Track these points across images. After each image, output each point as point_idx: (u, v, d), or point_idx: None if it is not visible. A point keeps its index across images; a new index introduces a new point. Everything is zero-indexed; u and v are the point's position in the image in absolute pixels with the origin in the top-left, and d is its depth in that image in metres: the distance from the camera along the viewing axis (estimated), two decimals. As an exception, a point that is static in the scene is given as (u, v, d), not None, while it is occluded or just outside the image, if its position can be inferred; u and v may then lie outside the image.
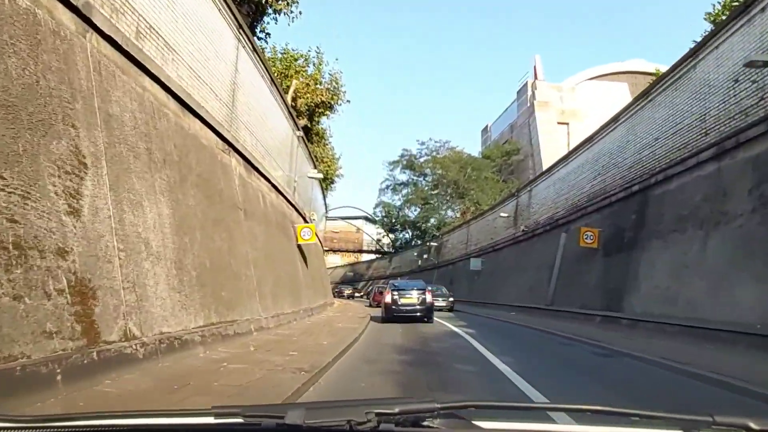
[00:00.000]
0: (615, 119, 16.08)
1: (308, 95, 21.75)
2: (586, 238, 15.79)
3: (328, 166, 34.98)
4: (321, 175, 17.89)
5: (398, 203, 58.67)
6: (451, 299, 24.86)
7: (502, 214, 26.02)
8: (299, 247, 16.60)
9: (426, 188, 53.10)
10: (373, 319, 18.44)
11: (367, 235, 77.19)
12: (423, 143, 53.49)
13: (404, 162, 56.52)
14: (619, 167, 15.56)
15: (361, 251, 73.59)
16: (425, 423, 1.11)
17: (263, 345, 8.15)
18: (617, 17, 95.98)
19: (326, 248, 68.60)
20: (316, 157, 31.31)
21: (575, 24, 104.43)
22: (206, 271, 7.74)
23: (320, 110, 22.52)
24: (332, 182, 38.32)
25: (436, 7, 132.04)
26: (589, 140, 18.14)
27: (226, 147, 10.29)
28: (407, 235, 61.39)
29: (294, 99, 22.47)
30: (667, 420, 1.13)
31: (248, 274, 9.90)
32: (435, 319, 17.69)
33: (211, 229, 8.39)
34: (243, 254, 9.82)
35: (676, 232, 11.64)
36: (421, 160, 53.76)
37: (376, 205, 60.71)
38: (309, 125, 23.08)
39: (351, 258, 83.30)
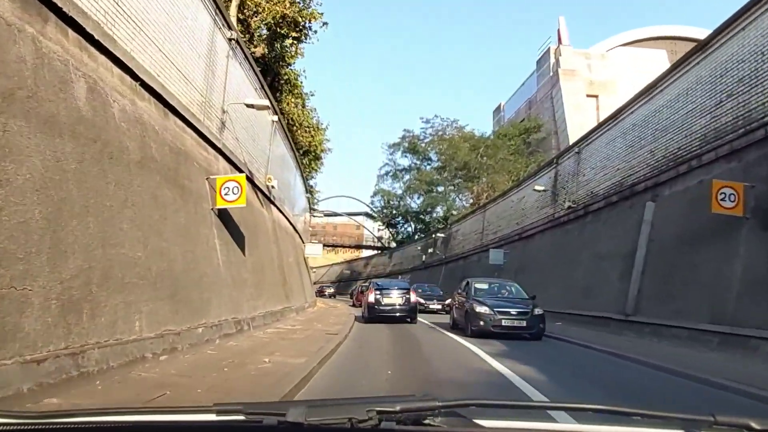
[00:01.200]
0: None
1: (266, 6, 14.88)
2: (722, 200, 8.90)
3: (312, 136, 28.27)
4: (266, 102, 11.14)
5: (399, 191, 51.87)
6: (538, 311, 11.53)
7: (537, 188, 19.13)
8: (224, 216, 9.81)
9: (432, 173, 46.22)
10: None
11: (368, 231, 70.74)
12: (427, 121, 46.48)
13: (406, 145, 49.73)
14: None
15: (359, 247, 66.79)
16: (426, 421, 1.08)
17: None
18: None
19: (317, 241, 62.01)
20: (292, 120, 24.66)
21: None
22: None
23: (284, 31, 15.54)
24: (318, 158, 31.54)
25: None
26: (702, 48, 11.22)
27: None
28: (409, 229, 54.57)
29: (246, 16, 15.64)
30: (668, 420, 1.12)
31: None
32: (466, 344, 10.60)
33: None
34: None
35: None
36: (426, 141, 46.93)
37: (374, 194, 53.88)
38: (267, 55, 16.23)
39: (352, 254, 77.15)
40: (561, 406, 1.55)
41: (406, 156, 51.23)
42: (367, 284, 21.44)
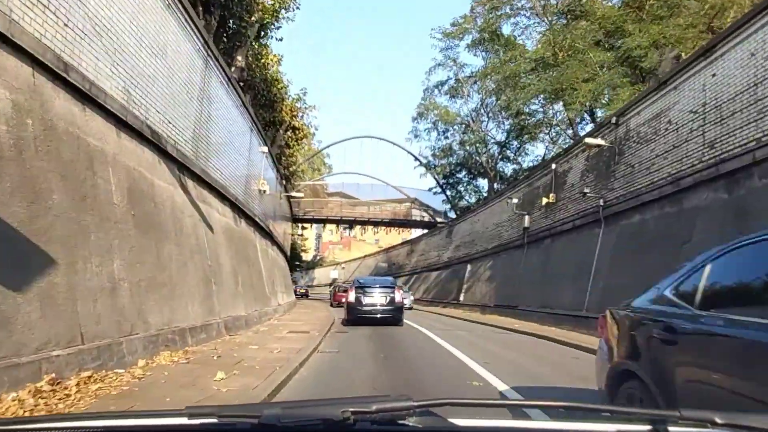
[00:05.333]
0: None
1: None
2: None
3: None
4: None
5: (464, 113, 28.80)
6: None
7: None
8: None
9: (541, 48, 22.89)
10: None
11: (417, 211, 47.70)
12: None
13: (479, 22, 26.68)
14: None
15: (393, 224, 43.60)
16: (402, 421, 1.07)
17: None
18: None
19: (320, 217, 40.17)
20: None
21: None
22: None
23: None
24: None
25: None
26: None
27: None
28: (480, 183, 31.37)
29: None
30: (636, 415, 1.15)
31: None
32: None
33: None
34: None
35: None
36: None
37: (417, 116, 31.12)
38: None
39: (396, 237, 55.43)
40: (534, 404, 1.69)
41: (475, 52, 28.21)
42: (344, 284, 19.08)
